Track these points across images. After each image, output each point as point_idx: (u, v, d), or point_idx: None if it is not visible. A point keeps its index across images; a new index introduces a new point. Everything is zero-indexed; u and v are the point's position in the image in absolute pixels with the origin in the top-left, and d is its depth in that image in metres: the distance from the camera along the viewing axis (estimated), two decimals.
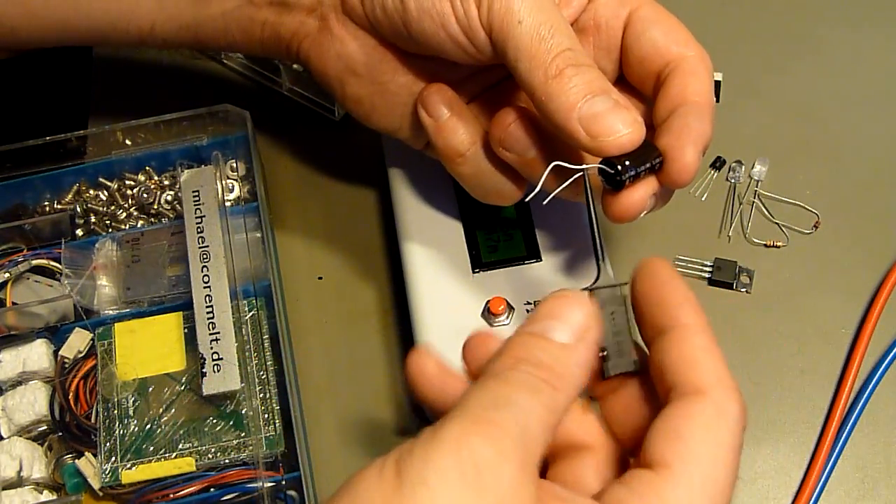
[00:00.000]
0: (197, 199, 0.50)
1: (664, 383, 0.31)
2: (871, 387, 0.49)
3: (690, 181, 0.37)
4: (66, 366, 0.48)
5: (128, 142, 0.54)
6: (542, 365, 0.29)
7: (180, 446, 0.46)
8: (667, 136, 0.38)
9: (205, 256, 0.48)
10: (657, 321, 0.32)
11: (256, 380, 0.47)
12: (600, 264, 0.35)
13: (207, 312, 0.47)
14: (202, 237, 0.49)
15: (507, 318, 0.47)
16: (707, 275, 0.53)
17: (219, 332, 0.46)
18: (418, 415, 0.49)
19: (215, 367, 0.45)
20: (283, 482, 0.45)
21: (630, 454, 0.33)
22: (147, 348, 0.48)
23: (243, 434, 0.46)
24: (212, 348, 0.46)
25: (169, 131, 0.53)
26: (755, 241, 0.54)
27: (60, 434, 0.47)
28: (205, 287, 0.47)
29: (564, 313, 0.30)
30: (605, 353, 0.33)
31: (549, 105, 0.37)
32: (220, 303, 0.47)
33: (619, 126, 0.36)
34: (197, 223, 0.49)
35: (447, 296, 0.48)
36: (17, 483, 0.45)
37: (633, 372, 0.33)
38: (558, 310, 0.30)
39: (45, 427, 0.47)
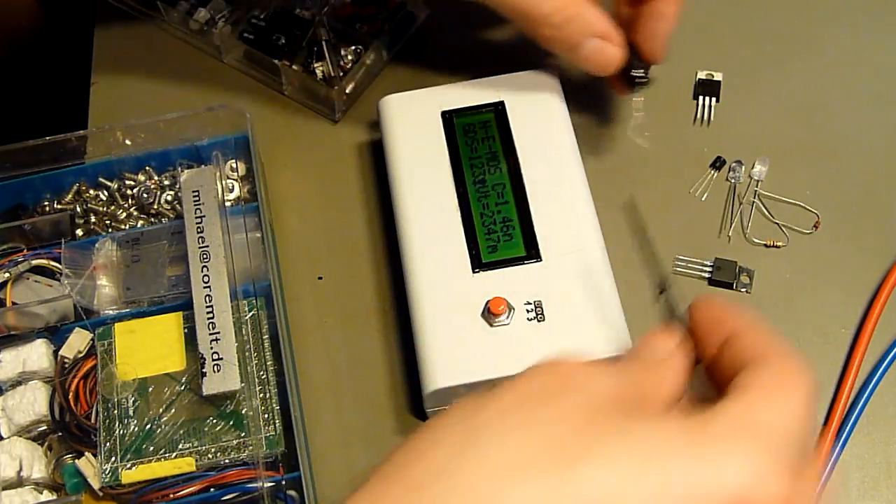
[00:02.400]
0: (197, 199, 0.50)
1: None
2: (871, 387, 0.49)
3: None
4: (66, 366, 0.48)
5: (128, 142, 0.54)
6: None
7: (180, 446, 0.46)
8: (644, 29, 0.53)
9: (205, 256, 0.48)
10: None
11: (256, 380, 0.47)
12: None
13: (207, 312, 0.47)
14: (202, 237, 0.49)
15: (508, 317, 0.47)
16: (707, 275, 0.53)
17: (219, 332, 0.46)
18: (418, 415, 0.49)
19: (215, 367, 0.45)
20: (283, 482, 0.45)
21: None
22: (147, 348, 0.48)
23: (243, 434, 0.46)
24: (212, 348, 0.46)
25: (169, 131, 0.53)
26: (755, 241, 0.54)
27: (60, 434, 0.47)
28: (205, 287, 0.47)
29: None
30: None
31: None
32: (220, 303, 0.47)
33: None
34: (197, 223, 0.49)
35: (447, 296, 0.48)
36: (17, 483, 0.45)
37: None
38: None
39: (45, 427, 0.47)
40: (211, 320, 0.47)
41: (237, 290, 0.48)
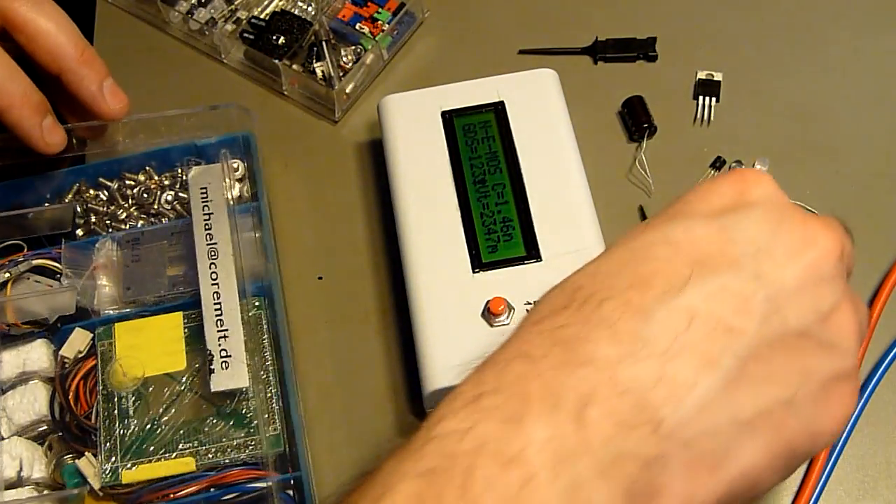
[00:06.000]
0: (205, 195, 0.50)
1: None
2: (871, 387, 0.49)
3: None
4: (67, 366, 0.48)
5: (128, 141, 0.54)
6: None
7: (180, 446, 0.46)
8: None
9: (213, 254, 0.48)
10: None
11: (258, 380, 0.47)
12: None
13: (216, 309, 0.47)
14: (210, 234, 0.49)
15: (508, 318, 0.47)
16: None
17: (227, 329, 0.46)
18: (418, 415, 0.49)
19: (223, 364, 0.45)
20: (283, 482, 0.45)
21: None
22: (147, 348, 0.48)
23: (244, 434, 0.46)
24: (220, 345, 0.46)
25: (169, 130, 0.53)
26: None
27: (61, 434, 0.47)
28: (213, 284, 0.47)
29: None
30: None
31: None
32: (228, 300, 0.47)
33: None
34: (205, 220, 0.49)
35: (447, 296, 0.48)
36: (18, 483, 0.45)
37: None
38: None
39: (46, 427, 0.47)
40: (219, 317, 0.46)
41: (245, 287, 0.48)
